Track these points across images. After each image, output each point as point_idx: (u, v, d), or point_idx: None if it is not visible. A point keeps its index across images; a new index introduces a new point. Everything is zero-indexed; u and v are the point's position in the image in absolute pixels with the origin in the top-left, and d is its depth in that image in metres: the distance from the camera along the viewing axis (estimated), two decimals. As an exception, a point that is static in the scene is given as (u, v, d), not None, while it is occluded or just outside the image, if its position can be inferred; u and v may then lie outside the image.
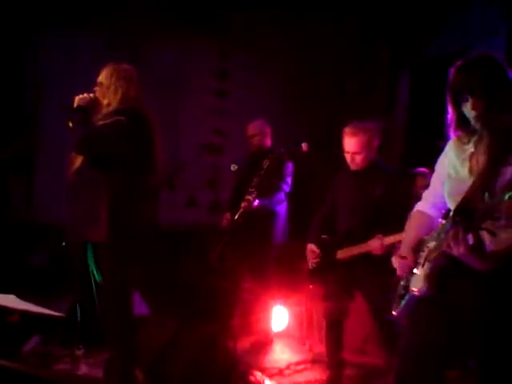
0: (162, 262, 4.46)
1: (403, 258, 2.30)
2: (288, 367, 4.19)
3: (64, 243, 3.49)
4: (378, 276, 3.30)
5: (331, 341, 3.71)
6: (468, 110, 2.07)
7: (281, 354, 4.52)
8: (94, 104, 3.30)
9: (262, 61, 6.38)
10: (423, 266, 2.16)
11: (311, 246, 3.68)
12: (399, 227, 3.02)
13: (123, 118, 3.16)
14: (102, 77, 3.35)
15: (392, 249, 3.22)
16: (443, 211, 2.31)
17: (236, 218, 4.12)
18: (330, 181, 3.86)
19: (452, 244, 1.90)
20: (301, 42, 6.29)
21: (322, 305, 3.75)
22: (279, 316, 4.82)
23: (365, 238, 3.39)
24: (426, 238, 2.25)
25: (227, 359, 3.85)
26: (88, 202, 3.22)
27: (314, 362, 4.28)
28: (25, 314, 3.84)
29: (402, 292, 2.28)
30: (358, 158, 3.45)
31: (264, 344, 4.65)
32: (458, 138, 2.19)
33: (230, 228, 4.38)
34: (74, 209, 3.31)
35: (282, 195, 4.65)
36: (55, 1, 5.84)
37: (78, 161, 3.29)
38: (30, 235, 5.54)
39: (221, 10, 6.29)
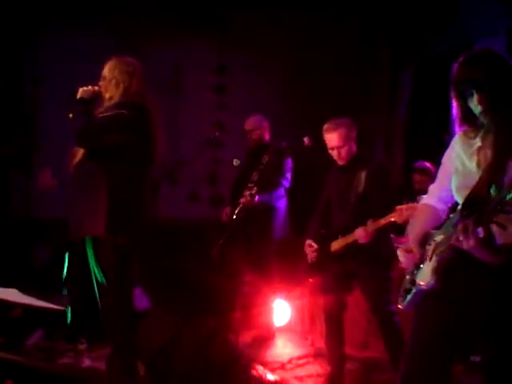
0: (162, 256, 4.48)
1: (409, 251, 2.30)
2: (290, 361, 4.21)
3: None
4: (370, 266, 3.48)
5: (331, 335, 3.74)
6: (474, 105, 2.07)
7: (283, 348, 4.54)
8: (97, 97, 3.30)
9: (261, 60, 6.40)
10: (430, 259, 2.14)
11: (309, 241, 3.76)
12: (383, 215, 3.26)
13: (124, 111, 3.16)
14: (106, 70, 3.35)
15: (378, 236, 3.38)
16: (449, 205, 2.30)
17: (235, 213, 4.16)
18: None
19: (462, 237, 1.88)
20: (301, 42, 6.32)
21: (321, 298, 3.80)
22: (281, 310, 4.84)
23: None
24: (432, 231, 2.24)
25: (229, 353, 3.85)
26: (88, 195, 3.22)
27: (316, 356, 4.30)
28: (27, 308, 3.84)
29: (408, 286, 2.26)
30: (343, 152, 3.58)
31: (266, 338, 4.66)
32: (465, 133, 2.19)
33: (230, 223, 4.41)
34: (74, 202, 3.31)
35: (281, 191, 4.68)
36: (55, 1, 5.86)
37: (79, 154, 3.29)
38: (30, 231, 5.54)
39: (221, 9, 6.31)
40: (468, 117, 2.13)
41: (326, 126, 3.63)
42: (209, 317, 4.23)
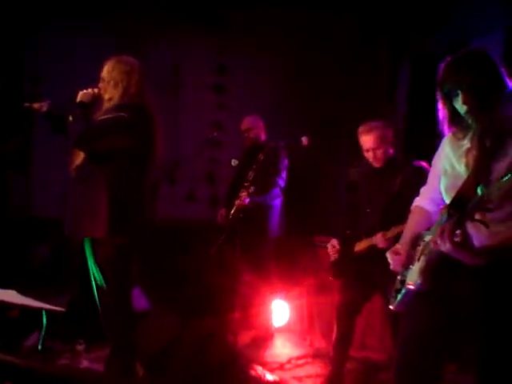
0: (161, 257, 4.47)
1: (397, 253, 2.32)
2: (289, 361, 4.21)
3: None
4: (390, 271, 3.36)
5: (339, 335, 3.68)
6: (459, 105, 2.08)
7: (282, 349, 4.54)
8: (97, 100, 3.31)
9: (261, 60, 6.39)
10: (419, 259, 2.16)
11: (333, 242, 3.77)
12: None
13: (124, 114, 3.16)
14: (104, 71, 3.36)
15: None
16: (441, 206, 2.31)
17: (231, 214, 4.20)
18: (332, 178, 3.91)
19: (439, 241, 1.90)
20: (301, 42, 6.31)
21: (337, 297, 3.77)
22: (280, 310, 4.84)
23: None
24: (423, 232, 2.26)
25: (227, 353, 3.85)
26: (88, 197, 3.22)
27: (315, 356, 4.30)
28: (25, 309, 3.83)
29: (399, 286, 2.28)
30: (379, 153, 3.53)
31: (265, 338, 4.67)
32: (454, 134, 2.20)
33: (226, 224, 4.42)
34: (73, 204, 3.31)
35: (277, 190, 4.70)
36: (55, 1, 5.85)
37: (80, 157, 3.29)
38: (30, 231, 5.54)
39: (221, 9, 6.29)
40: (455, 118, 2.14)
41: (361, 129, 3.58)
42: (207, 317, 4.24)
